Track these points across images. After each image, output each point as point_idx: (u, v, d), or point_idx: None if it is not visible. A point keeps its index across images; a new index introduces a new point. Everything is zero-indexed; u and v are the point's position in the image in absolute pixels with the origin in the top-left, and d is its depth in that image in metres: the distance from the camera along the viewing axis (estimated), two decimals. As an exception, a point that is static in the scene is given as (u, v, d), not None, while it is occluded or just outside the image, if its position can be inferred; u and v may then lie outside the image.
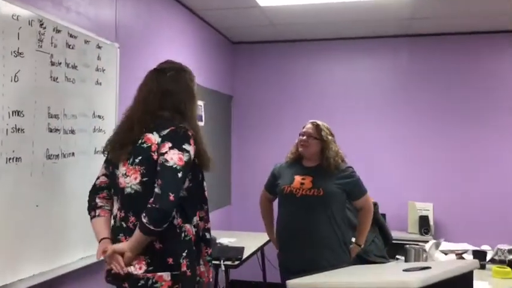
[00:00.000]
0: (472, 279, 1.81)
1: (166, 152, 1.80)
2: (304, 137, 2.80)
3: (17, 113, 2.03)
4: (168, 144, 1.82)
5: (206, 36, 4.51)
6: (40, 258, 2.18)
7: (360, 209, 2.82)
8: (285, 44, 5.13)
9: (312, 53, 5.08)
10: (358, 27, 4.61)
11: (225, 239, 3.81)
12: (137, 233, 1.79)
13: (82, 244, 2.45)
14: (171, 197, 1.75)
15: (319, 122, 2.85)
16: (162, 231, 1.78)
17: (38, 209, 2.16)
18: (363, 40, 4.93)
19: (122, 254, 1.82)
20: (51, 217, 2.26)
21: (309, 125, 2.85)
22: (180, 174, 1.79)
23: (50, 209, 2.25)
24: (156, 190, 1.76)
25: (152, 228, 1.75)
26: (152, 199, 1.76)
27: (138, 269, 1.83)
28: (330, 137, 2.79)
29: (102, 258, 1.91)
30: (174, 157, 1.79)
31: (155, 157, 1.84)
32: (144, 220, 1.75)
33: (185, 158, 1.82)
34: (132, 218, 1.87)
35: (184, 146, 1.84)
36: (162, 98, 1.95)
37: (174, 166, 1.78)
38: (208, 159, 1.99)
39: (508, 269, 2.80)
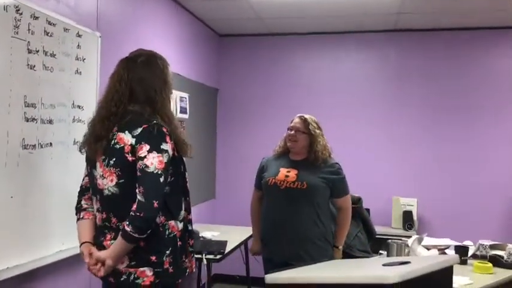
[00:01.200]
0: (452, 275, 1.80)
1: (145, 157, 1.76)
2: (293, 132, 2.79)
3: (-9, 101, 1.97)
4: (146, 147, 1.77)
5: (192, 28, 4.45)
6: (15, 251, 2.13)
7: (339, 209, 2.82)
8: (272, 37, 5.09)
9: (299, 47, 5.04)
10: (345, 21, 4.58)
11: (208, 233, 3.78)
12: (120, 241, 1.76)
13: (59, 237, 2.40)
14: (155, 204, 1.73)
15: (306, 116, 2.84)
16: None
17: (12, 201, 2.10)
18: (350, 35, 4.91)
19: (103, 262, 1.80)
20: (27, 209, 2.20)
21: (296, 120, 2.85)
22: (162, 179, 1.76)
23: (26, 200, 2.19)
24: (139, 197, 1.73)
25: (137, 236, 1.73)
26: (135, 206, 1.73)
27: (120, 263, 1.82)
28: (317, 131, 2.79)
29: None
30: (154, 161, 1.75)
31: (130, 158, 1.80)
32: (128, 229, 1.72)
33: (165, 159, 1.79)
34: (113, 219, 1.85)
35: (162, 146, 1.79)
36: (133, 86, 1.89)
37: (156, 172, 1.75)
38: (187, 145, 1.95)
39: (489, 264, 2.81)
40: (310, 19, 4.54)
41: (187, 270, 1.97)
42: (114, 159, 1.82)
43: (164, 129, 1.84)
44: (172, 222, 1.89)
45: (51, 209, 2.35)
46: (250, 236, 3.78)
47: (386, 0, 3.92)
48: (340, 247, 2.82)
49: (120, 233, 1.76)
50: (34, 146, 2.23)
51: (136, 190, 1.75)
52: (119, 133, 1.84)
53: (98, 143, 1.86)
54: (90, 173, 1.94)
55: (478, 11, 4.16)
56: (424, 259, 2.07)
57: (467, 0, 3.87)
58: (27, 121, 2.18)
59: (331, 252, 2.76)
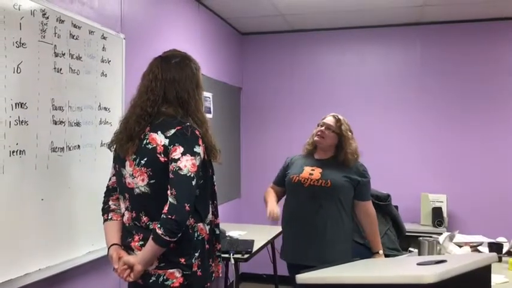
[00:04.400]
0: (490, 274, 1.74)
1: (179, 159, 1.75)
2: (323, 128, 2.74)
3: (20, 105, 1.99)
4: (180, 149, 1.77)
5: (214, 27, 4.44)
6: (46, 253, 2.15)
7: (364, 215, 2.74)
8: (294, 34, 5.05)
9: (322, 42, 4.99)
10: (368, 15, 4.51)
11: (235, 232, 3.77)
12: (151, 245, 1.74)
13: (89, 238, 2.42)
14: (187, 207, 1.72)
15: (340, 116, 2.78)
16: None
17: (43, 203, 2.13)
18: (374, 29, 4.83)
19: (132, 266, 1.79)
20: (57, 211, 2.23)
21: (330, 118, 2.79)
22: (194, 182, 1.75)
23: (56, 202, 2.22)
24: (171, 200, 1.72)
25: (168, 239, 1.72)
26: (167, 209, 1.72)
27: None
28: (349, 133, 2.74)
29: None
30: (187, 164, 1.75)
31: (162, 159, 1.79)
32: (160, 231, 1.71)
33: (197, 162, 1.78)
34: (144, 218, 1.85)
35: (195, 149, 1.79)
36: (167, 86, 1.88)
37: (188, 174, 1.74)
38: (217, 151, 1.94)
39: (525, 261, 2.72)
40: (333, 14, 4.48)
41: (214, 275, 1.96)
42: (146, 159, 1.82)
43: (197, 132, 1.84)
44: (200, 225, 1.88)
45: (81, 211, 2.38)
46: (277, 235, 3.76)
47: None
48: (381, 251, 2.73)
49: (151, 236, 1.74)
50: (62, 148, 2.25)
51: (168, 192, 1.74)
52: (151, 133, 1.84)
53: (129, 142, 1.86)
54: (118, 172, 1.94)
55: (508, 0, 4.03)
56: (460, 258, 2.00)
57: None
58: (55, 124, 2.20)
59: (351, 252, 2.70)
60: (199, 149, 1.81)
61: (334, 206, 2.66)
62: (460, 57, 4.63)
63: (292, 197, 2.78)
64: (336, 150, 2.75)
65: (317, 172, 2.71)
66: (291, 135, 4.77)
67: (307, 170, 2.74)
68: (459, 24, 4.62)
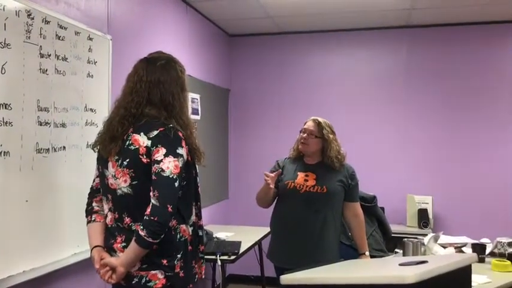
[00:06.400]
0: (471, 273, 1.77)
1: (161, 160, 1.76)
2: (305, 135, 2.75)
3: (5, 105, 1.98)
4: (162, 151, 1.77)
5: (202, 29, 4.45)
6: (31, 254, 2.14)
7: (353, 216, 2.76)
8: (282, 36, 5.07)
9: (310, 45, 5.02)
10: (356, 18, 4.55)
11: (222, 234, 3.78)
12: (134, 247, 1.74)
13: (74, 239, 2.41)
14: (169, 209, 1.73)
15: (320, 120, 2.78)
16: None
17: (28, 204, 2.12)
18: (362, 32, 4.87)
19: (114, 268, 1.79)
20: (42, 212, 2.21)
21: (310, 122, 2.79)
22: (176, 184, 1.76)
23: (41, 204, 2.21)
24: (153, 201, 1.72)
25: (151, 240, 1.72)
26: (149, 210, 1.72)
27: None
28: (331, 136, 2.73)
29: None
30: (170, 165, 1.75)
31: (144, 160, 1.79)
32: (142, 233, 1.71)
33: (180, 163, 1.79)
34: (126, 219, 1.85)
35: (178, 151, 1.79)
36: (151, 88, 1.88)
37: (171, 176, 1.74)
38: (200, 153, 1.94)
39: (508, 262, 2.76)
40: (320, 17, 4.51)
41: (197, 276, 1.96)
42: (128, 160, 1.82)
43: (180, 134, 1.84)
44: (183, 226, 1.88)
45: (66, 212, 2.37)
46: (264, 236, 3.78)
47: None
48: (367, 253, 2.75)
49: (134, 238, 1.75)
50: (48, 149, 2.24)
51: (151, 194, 1.74)
52: (134, 134, 1.84)
53: (112, 143, 1.86)
54: (101, 173, 1.94)
55: (493, 4, 4.08)
56: (441, 258, 2.03)
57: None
58: (41, 125, 2.20)
59: (339, 256, 2.72)
60: (182, 151, 1.81)
61: (329, 211, 2.68)
62: (446, 60, 4.69)
63: (286, 203, 2.76)
64: (321, 154, 2.76)
65: (311, 177, 2.71)
66: (279, 136, 4.79)
67: (301, 175, 2.74)
68: (446, 27, 4.68)
